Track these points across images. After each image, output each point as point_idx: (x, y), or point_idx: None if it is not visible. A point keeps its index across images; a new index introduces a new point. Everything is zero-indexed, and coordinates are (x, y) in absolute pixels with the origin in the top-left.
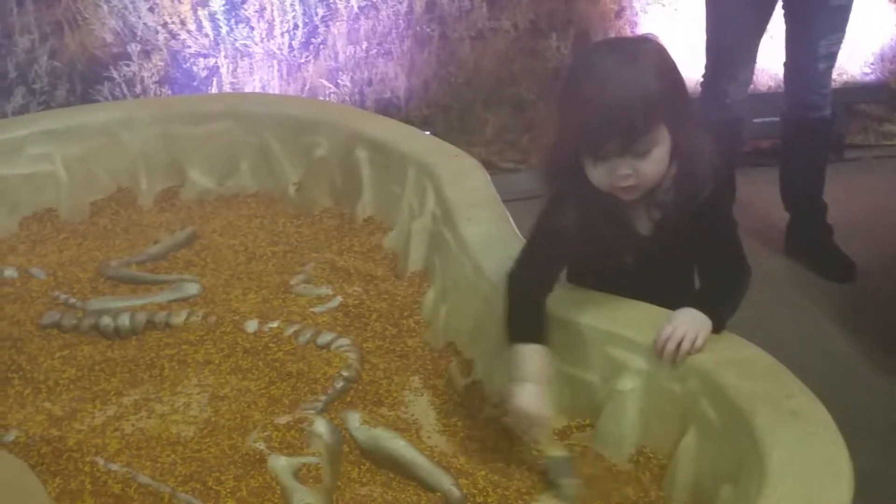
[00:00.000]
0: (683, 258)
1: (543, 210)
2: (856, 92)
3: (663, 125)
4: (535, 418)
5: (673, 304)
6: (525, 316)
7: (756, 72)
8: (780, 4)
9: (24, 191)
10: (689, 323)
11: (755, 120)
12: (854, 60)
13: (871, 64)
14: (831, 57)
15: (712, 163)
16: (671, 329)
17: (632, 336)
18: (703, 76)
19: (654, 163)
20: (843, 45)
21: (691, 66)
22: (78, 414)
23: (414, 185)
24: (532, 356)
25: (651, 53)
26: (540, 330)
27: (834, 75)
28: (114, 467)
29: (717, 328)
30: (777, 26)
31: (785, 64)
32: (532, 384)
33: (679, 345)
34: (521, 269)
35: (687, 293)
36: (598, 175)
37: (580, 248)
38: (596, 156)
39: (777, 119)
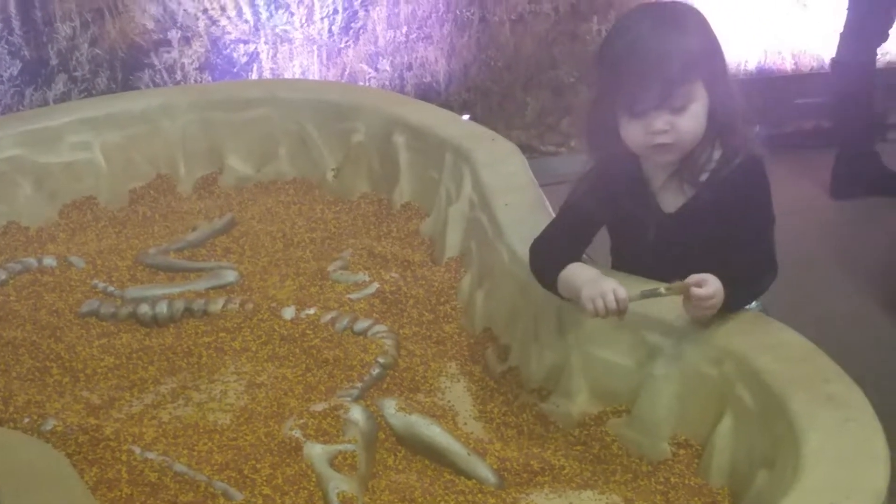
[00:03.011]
0: (706, 245)
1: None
2: None
3: (700, 81)
4: (607, 286)
5: None
6: (551, 262)
7: (798, 53)
8: None
9: (64, 179)
10: (720, 294)
11: (797, 101)
12: None
13: None
14: None
15: (750, 128)
16: (712, 289)
17: (667, 319)
18: None
19: (692, 118)
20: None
21: (736, 47)
22: (115, 402)
23: (451, 171)
24: (576, 270)
25: (688, 13)
26: (571, 259)
27: (878, 55)
28: (150, 456)
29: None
30: None
31: None
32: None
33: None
34: (541, 240)
35: None
36: (634, 133)
37: (600, 219)
38: (632, 111)
39: (819, 101)
